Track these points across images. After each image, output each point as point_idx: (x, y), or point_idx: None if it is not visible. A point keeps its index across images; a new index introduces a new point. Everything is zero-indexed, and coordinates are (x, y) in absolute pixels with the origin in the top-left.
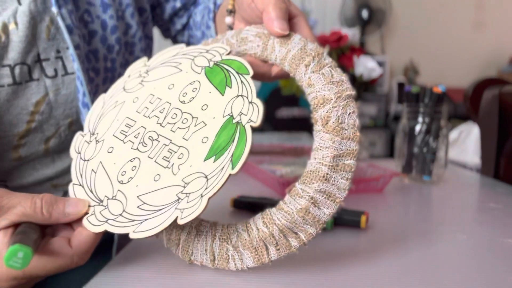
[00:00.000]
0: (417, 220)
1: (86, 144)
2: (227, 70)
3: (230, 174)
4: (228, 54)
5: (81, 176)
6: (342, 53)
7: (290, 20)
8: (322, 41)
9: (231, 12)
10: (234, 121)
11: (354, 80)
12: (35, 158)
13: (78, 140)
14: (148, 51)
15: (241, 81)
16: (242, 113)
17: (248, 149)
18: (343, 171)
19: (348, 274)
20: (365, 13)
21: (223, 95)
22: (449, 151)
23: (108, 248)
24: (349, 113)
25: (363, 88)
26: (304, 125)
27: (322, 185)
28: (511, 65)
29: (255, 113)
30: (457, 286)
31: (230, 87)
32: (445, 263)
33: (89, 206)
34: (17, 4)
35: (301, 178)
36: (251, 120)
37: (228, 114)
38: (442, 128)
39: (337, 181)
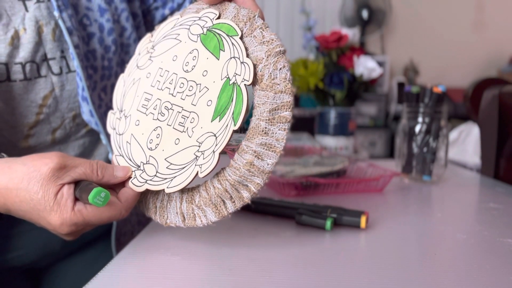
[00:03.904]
0: (417, 220)
1: (118, 121)
2: (219, 34)
3: (233, 130)
4: (218, 18)
5: (120, 148)
6: (342, 53)
7: None
8: (322, 41)
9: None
10: (230, 82)
11: (354, 80)
12: (43, 147)
13: (110, 118)
14: None
15: (232, 43)
16: (236, 74)
17: (245, 106)
18: (280, 123)
19: (348, 274)
20: (365, 13)
21: (218, 59)
22: (449, 151)
23: (106, 241)
24: (280, 68)
25: (363, 88)
26: (304, 125)
27: (263, 138)
28: (511, 65)
29: (247, 72)
30: (457, 286)
31: (224, 51)
32: (445, 263)
33: (131, 171)
34: (25, 10)
35: (246, 135)
36: (245, 79)
37: (225, 77)
38: (442, 128)
39: (275, 133)
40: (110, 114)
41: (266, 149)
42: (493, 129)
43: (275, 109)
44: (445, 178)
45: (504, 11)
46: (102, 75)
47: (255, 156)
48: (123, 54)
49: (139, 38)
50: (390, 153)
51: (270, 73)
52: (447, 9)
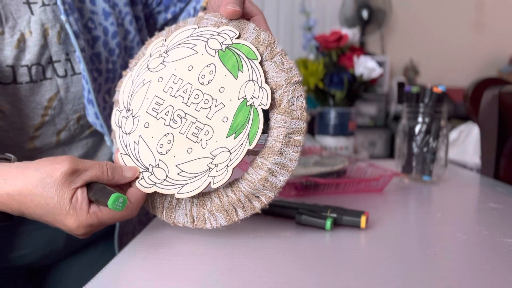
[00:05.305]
0: (417, 220)
1: (125, 119)
2: (238, 54)
3: (248, 149)
4: (237, 38)
5: (126, 147)
6: (342, 53)
7: (249, 18)
8: (322, 41)
9: (204, 9)
10: (247, 104)
11: (354, 80)
12: (48, 149)
13: (116, 115)
14: None
15: (251, 66)
16: (254, 97)
17: (261, 129)
18: (294, 146)
19: (348, 274)
20: (365, 13)
21: (236, 79)
22: (449, 151)
23: (107, 241)
24: (297, 96)
25: (363, 88)
26: None
27: (277, 158)
28: (511, 65)
29: (265, 97)
30: (457, 286)
31: (242, 72)
32: (445, 263)
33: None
34: (30, 14)
35: (261, 153)
36: (262, 104)
37: (243, 97)
38: (442, 128)
39: (289, 154)
40: (115, 111)
41: (279, 168)
42: (493, 129)
43: (291, 133)
44: (445, 178)
45: (504, 11)
46: (107, 78)
47: (270, 173)
48: (127, 57)
49: (142, 41)
50: (390, 153)
51: (289, 100)
52: (447, 9)
